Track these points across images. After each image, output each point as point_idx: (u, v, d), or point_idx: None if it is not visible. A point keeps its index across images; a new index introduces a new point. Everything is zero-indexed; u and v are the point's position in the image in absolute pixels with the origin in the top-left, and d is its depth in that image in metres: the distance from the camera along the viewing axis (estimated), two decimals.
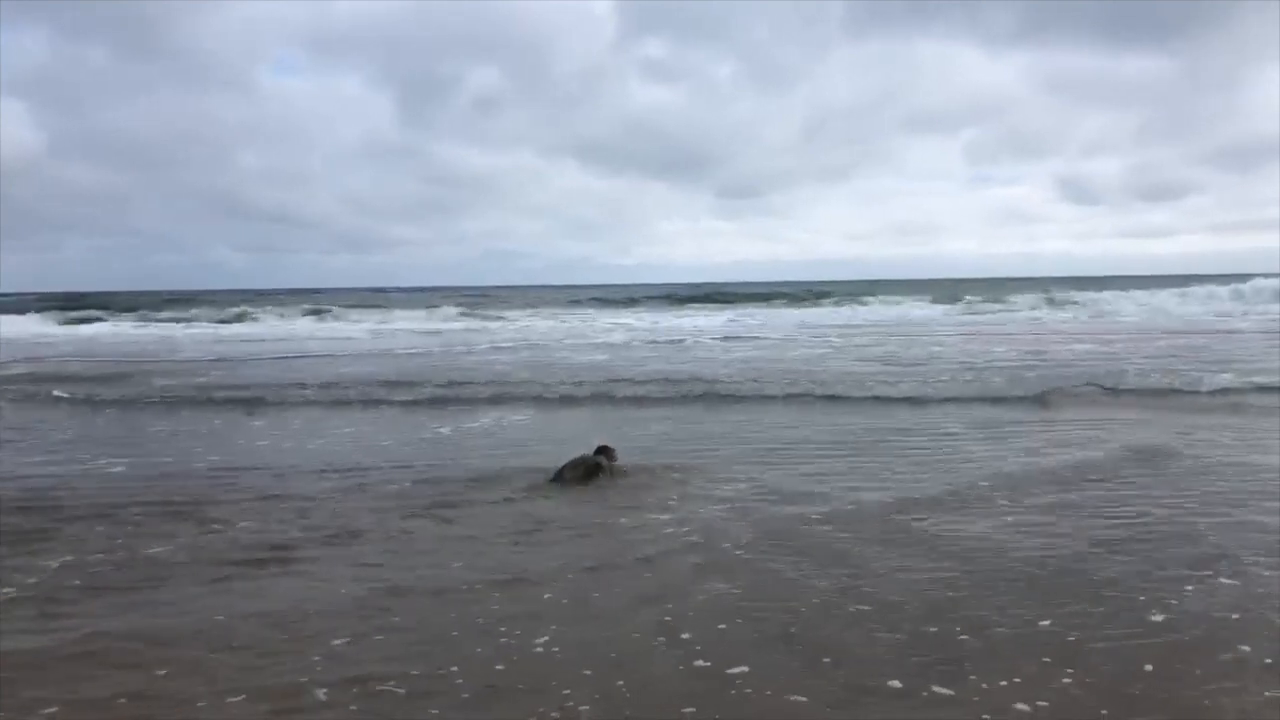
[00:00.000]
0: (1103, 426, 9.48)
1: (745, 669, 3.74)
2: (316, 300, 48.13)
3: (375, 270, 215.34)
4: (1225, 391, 11.67)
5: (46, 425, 10.87)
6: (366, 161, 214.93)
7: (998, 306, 39.56)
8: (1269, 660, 3.74)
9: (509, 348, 21.88)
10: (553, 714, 3.40)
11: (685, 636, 4.11)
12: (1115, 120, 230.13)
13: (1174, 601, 4.40)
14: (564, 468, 7.40)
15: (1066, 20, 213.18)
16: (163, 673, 3.80)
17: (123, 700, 3.57)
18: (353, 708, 3.48)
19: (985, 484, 6.95)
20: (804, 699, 3.49)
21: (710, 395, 12.35)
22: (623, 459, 7.62)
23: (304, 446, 9.24)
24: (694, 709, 3.41)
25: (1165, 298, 39.08)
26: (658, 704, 3.47)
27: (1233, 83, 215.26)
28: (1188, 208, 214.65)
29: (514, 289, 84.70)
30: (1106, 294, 40.85)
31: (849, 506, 6.39)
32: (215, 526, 6.11)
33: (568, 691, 3.57)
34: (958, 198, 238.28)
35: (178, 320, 35.76)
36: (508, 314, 38.49)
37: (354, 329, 30.88)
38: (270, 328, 32.20)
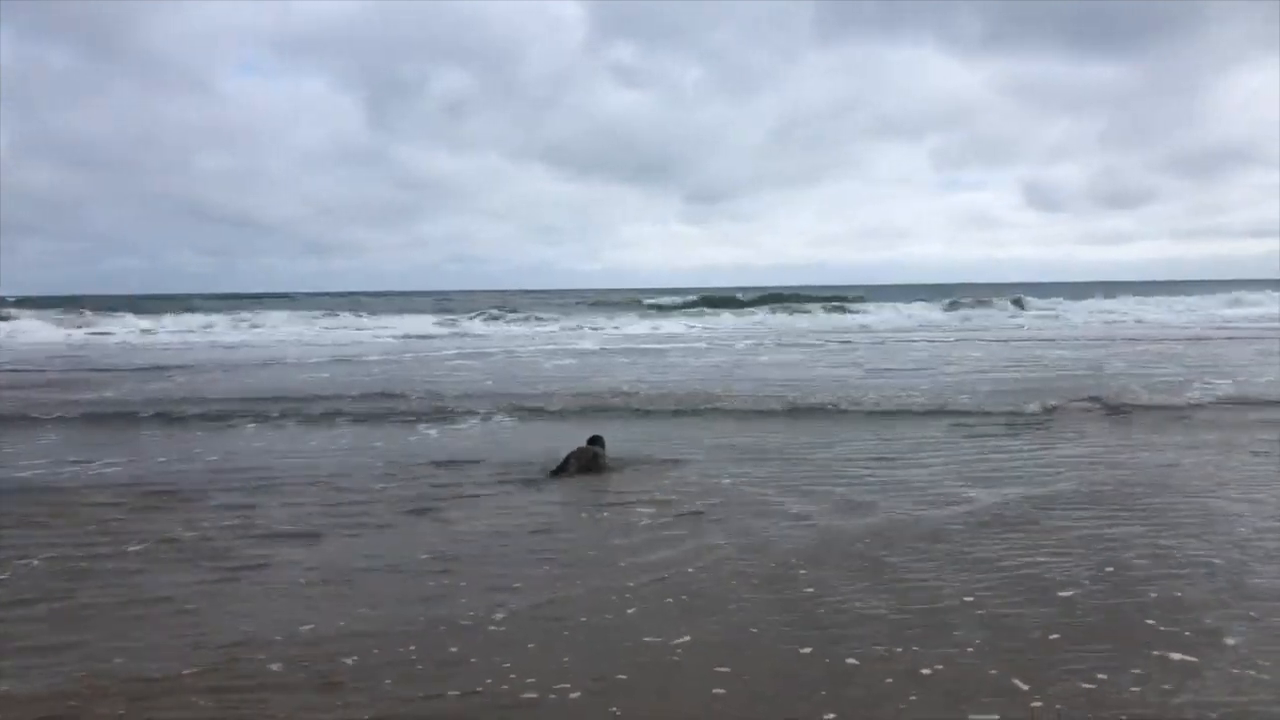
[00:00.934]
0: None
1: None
2: (293, 304, 47.52)
3: (339, 275, 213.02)
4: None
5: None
6: (331, 164, 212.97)
7: (986, 312, 39.92)
8: None
9: (483, 354, 21.81)
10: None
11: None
12: (1079, 127, 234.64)
13: None
14: (567, 459, 7.65)
15: (1034, 27, 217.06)
16: None
17: None
18: None
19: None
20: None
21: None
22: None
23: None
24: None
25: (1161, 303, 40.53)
26: None
27: (1194, 90, 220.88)
28: (1148, 214, 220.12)
29: (480, 293, 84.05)
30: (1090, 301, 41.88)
31: (899, 517, 6.47)
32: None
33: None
34: (924, 203, 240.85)
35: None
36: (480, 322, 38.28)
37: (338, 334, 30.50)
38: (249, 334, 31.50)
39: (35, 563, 5.43)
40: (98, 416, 11.46)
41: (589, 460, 7.68)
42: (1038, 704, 3.44)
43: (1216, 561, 5.08)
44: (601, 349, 22.41)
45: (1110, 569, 4.98)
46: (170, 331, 30.91)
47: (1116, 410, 10.79)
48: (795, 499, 6.66)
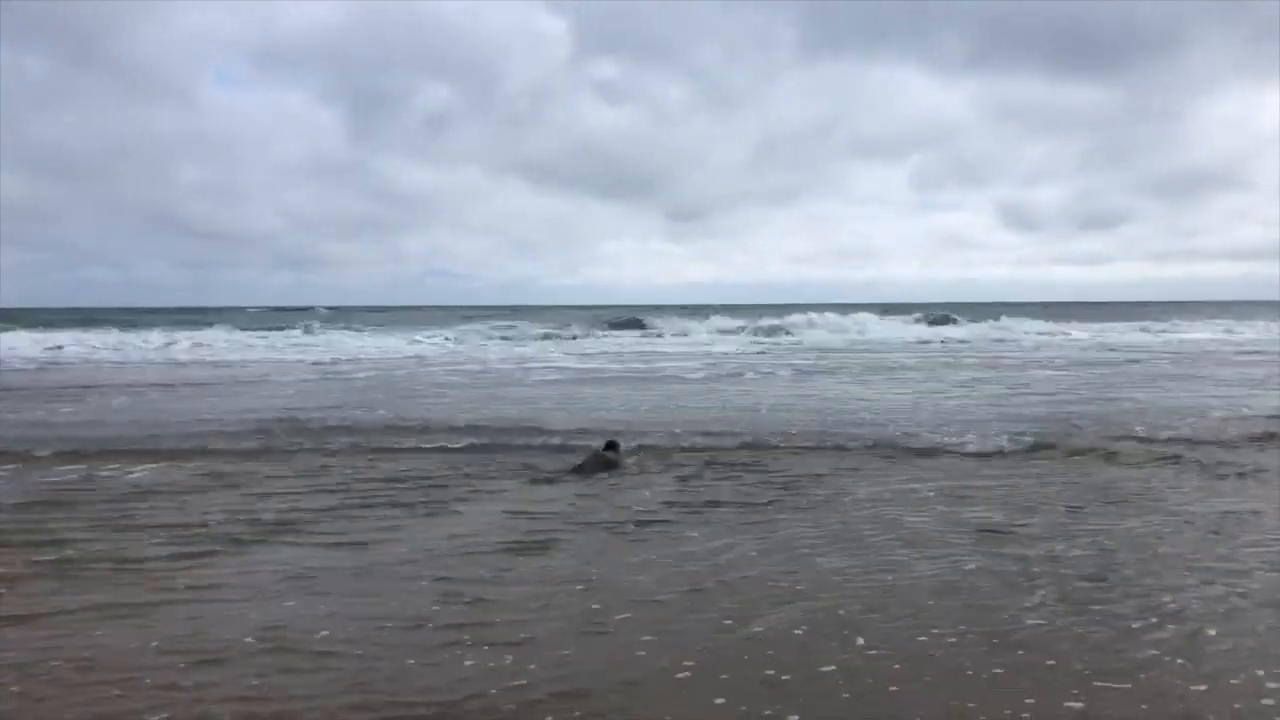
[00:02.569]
0: None
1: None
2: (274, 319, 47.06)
3: (316, 289, 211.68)
4: None
5: None
6: (310, 177, 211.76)
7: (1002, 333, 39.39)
8: None
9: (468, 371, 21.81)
10: None
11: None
12: (1057, 149, 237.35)
13: None
14: (585, 460, 8.93)
15: (1015, 49, 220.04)
16: None
17: None
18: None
19: None
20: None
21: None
22: None
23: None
24: None
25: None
26: None
27: (1172, 114, 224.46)
28: (1124, 236, 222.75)
29: (453, 309, 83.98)
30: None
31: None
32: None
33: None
34: (901, 223, 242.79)
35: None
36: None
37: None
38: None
39: None
40: None
41: (605, 460, 8.95)
42: None
43: None
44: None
45: None
46: (88, 348, 29.14)
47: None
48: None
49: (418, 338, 35.42)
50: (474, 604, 5.12)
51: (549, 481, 8.51)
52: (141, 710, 3.82)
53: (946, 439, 10.44)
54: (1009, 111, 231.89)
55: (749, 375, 20.04)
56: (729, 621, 4.79)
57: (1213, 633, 4.60)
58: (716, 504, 7.49)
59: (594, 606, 5.05)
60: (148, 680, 4.11)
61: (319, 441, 10.66)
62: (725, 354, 27.83)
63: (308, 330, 38.53)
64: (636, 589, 5.33)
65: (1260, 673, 4.13)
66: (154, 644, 4.55)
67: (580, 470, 8.75)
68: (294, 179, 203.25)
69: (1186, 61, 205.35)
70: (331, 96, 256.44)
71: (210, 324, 41.44)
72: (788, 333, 38.85)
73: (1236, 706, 3.82)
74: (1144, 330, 41.15)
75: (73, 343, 30.78)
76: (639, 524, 6.87)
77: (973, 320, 43.73)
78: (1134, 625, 4.70)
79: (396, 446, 10.36)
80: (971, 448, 9.95)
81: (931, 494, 7.84)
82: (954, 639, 4.53)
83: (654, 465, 9.13)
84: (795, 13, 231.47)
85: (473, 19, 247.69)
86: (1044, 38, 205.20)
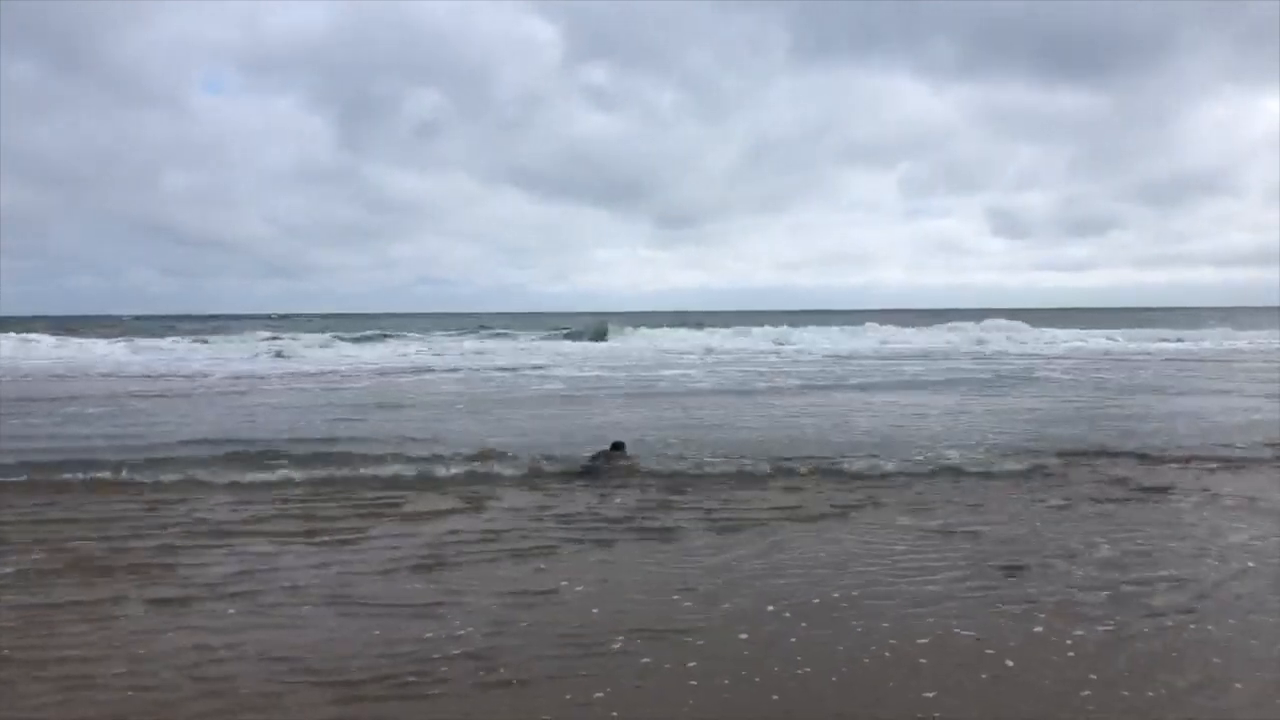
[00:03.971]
0: None
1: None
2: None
3: (305, 296, 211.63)
4: None
5: None
6: (299, 184, 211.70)
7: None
8: None
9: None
10: None
11: None
12: (1046, 155, 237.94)
13: None
14: (597, 454, 9.50)
15: (1005, 56, 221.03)
16: None
17: None
18: None
19: None
20: None
21: None
22: None
23: None
24: None
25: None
26: None
27: (1160, 120, 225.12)
28: (1111, 241, 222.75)
29: (444, 316, 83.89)
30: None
31: None
32: None
33: None
34: (891, 229, 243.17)
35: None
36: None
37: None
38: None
39: None
40: None
41: (613, 457, 9.52)
42: None
43: None
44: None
45: None
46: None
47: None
48: None
49: (348, 351, 32.59)
50: None
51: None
52: None
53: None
54: (999, 117, 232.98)
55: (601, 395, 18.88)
56: None
57: None
58: None
59: None
60: None
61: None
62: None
63: (199, 340, 35.86)
64: None
65: None
66: None
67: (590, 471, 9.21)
68: (282, 186, 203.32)
69: (1177, 66, 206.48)
70: (321, 102, 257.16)
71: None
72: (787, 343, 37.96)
73: None
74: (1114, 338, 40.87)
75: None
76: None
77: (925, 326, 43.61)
78: None
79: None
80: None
81: None
82: None
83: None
84: (787, 18, 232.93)
85: (463, 24, 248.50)
86: (1035, 43, 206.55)
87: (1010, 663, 4.36)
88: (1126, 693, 4.04)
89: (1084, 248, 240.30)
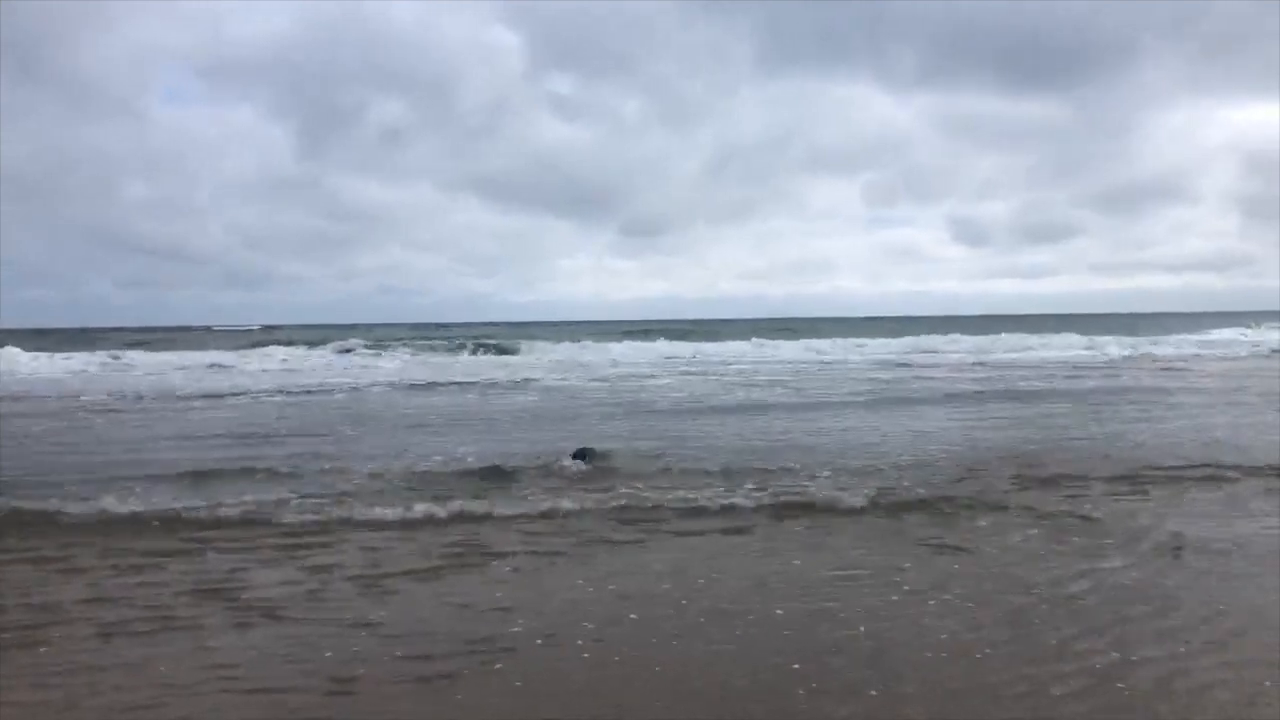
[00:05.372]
0: None
1: None
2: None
3: (265, 307, 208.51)
4: None
5: None
6: (260, 194, 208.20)
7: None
8: None
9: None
10: None
11: None
12: (1007, 163, 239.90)
13: None
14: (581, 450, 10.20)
15: (968, 64, 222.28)
16: None
17: None
18: None
19: None
20: None
21: None
22: None
23: None
24: None
25: None
26: None
27: (1121, 128, 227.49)
28: (1071, 249, 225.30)
29: (408, 326, 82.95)
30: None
31: None
32: None
33: None
34: (854, 238, 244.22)
35: None
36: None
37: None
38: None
39: None
40: None
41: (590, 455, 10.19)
42: None
43: None
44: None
45: None
46: None
47: None
48: None
49: (221, 361, 31.00)
50: None
51: None
52: None
53: None
54: (961, 126, 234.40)
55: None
56: None
57: None
58: None
59: None
60: None
61: None
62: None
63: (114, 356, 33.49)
64: None
65: None
66: None
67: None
68: (244, 195, 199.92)
69: (1137, 76, 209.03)
70: (282, 111, 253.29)
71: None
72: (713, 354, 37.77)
73: None
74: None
75: None
76: None
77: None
78: None
79: None
80: None
81: None
82: None
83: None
84: (752, 28, 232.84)
85: (427, 32, 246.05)
86: (998, 52, 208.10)
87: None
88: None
89: (1045, 254, 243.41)
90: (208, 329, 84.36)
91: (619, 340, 42.97)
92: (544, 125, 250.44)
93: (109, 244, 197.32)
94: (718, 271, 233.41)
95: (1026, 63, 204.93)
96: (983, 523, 7.33)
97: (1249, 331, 47.34)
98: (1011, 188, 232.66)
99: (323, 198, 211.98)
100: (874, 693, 4.18)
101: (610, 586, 5.81)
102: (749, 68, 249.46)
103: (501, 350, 38.18)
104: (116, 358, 32.67)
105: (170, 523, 7.51)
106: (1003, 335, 43.68)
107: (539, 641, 4.89)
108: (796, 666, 4.50)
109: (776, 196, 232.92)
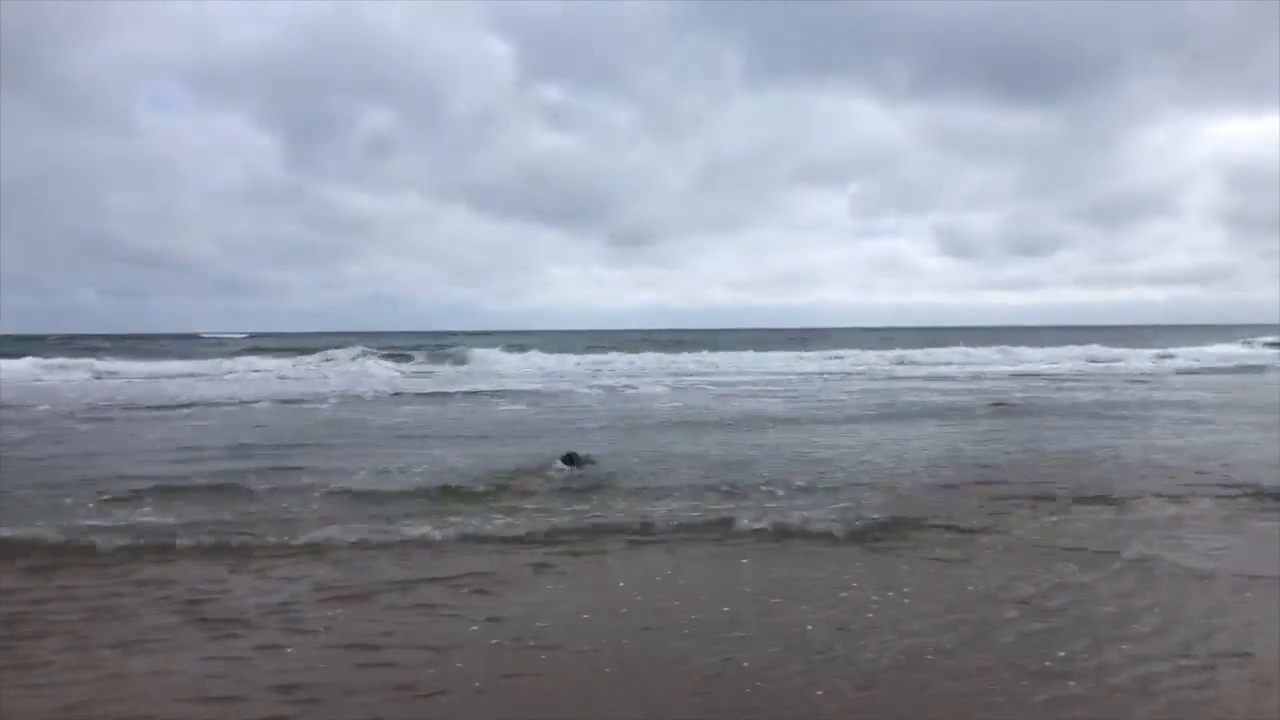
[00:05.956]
0: None
1: None
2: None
3: (250, 315, 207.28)
4: None
5: None
6: (248, 203, 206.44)
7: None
8: None
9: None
10: None
11: None
12: (995, 176, 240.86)
13: None
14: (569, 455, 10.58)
15: (957, 77, 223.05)
16: None
17: None
18: None
19: None
20: None
21: None
22: None
23: None
24: None
25: None
26: None
27: (1108, 142, 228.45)
28: (1057, 261, 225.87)
29: (392, 334, 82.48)
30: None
31: None
32: None
33: None
34: (841, 249, 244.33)
35: None
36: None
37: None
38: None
39: None
40: None
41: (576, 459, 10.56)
42: None
43: None
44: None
45: None
46: None
47: None
48: None
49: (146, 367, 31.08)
50: None
51: None
52: None
53: None
54: (950, 138, 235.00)
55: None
56: None
57: None
58: None
59: None
60: None
61: None
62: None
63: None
64: None
65: None
66: None
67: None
68: (230, 204, 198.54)
69: (1124, 90, 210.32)
70: (270, 120, 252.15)
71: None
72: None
73: None
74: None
75: None
76: None
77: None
78: None
79: None
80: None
81: None
82: None
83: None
84: (743, 40, 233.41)
85: (417, 42, 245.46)
86: (987, 65, 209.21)
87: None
88: None
89: (1031, 267, 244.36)
90: (194, 336, 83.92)
91: (604, 351, 42.63)
92: (534, 134, 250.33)
93: (94, 252, 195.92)
94: (706, 281, 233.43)
95: (1015, 76, 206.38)
96: (949, 550, 7.03)
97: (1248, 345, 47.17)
98: (999, 200, 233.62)
99: (311, 207, 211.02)
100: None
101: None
102: (739, 79, 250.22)
103: (459, 360, 37.62)
104: (93, 364, 32.30)
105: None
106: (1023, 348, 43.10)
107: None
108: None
109: (765, 207, 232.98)
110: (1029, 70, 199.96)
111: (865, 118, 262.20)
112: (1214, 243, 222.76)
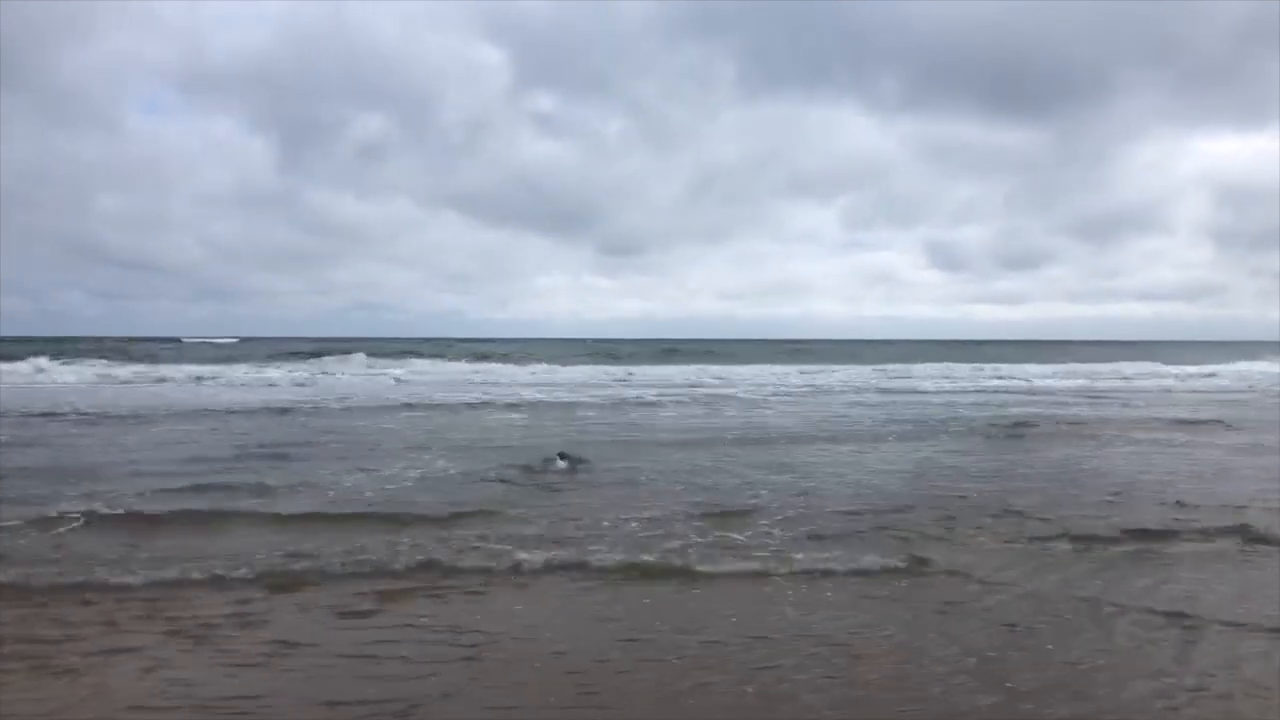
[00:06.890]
0: None
1: None
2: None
3: (237, 320, 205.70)
4: None
5: None
6: (238, 207, 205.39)
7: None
8: None
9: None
10: None
11: None
12: (986, 190, 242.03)
13: None
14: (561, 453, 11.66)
15: (949, 92, 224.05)
16: None
17: None
18: None
19: None
20: None
21: None
22: None
23: None
24: None
25: None
26: None
27: (1097, 158, 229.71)
28: (1046, 275, 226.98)
29: (382, 340, 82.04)
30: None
31: None
32: None
33: None
34: (830, 261, 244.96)
35: None
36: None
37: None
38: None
39: None
40: None
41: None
42: None
43: None
44: None
45: None
46: None
47: None
48: None
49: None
50: None
51: None
52: None
53: None
54: (941, 152, 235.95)
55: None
56: None
57: None
58: None
59: None
60: None
61: None
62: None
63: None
64: None
65: None
66: None
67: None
68: (220, 209, 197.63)
69: (1114, 107, 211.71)
70: (261, 125, 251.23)
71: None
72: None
73: None
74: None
75: None
76: None
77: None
78: None
79: None
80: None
81: None
82: None
83: None
84: (735, 52, 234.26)
85: (410, 48, 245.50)
86: (980, 79, 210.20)
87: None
88: None
89: (1020, 281, 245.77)
90: (178, 340, 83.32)
91: (598, 362, 42.49)
92: (525, 143, 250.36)
93: (82, 254, 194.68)
94: (695, 291, 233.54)
95: (1007, 90, 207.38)
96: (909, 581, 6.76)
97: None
98: (989, 214, 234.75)
99: (300, 212, 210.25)
100: None
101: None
102: (731, 90, 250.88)
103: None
104: (68, 364, 31.93)
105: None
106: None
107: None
108: None
109: (755, 218, 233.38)
110: (1020, 85, 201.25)
111: (856, 130, 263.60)
112: (1202, 259, 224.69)
